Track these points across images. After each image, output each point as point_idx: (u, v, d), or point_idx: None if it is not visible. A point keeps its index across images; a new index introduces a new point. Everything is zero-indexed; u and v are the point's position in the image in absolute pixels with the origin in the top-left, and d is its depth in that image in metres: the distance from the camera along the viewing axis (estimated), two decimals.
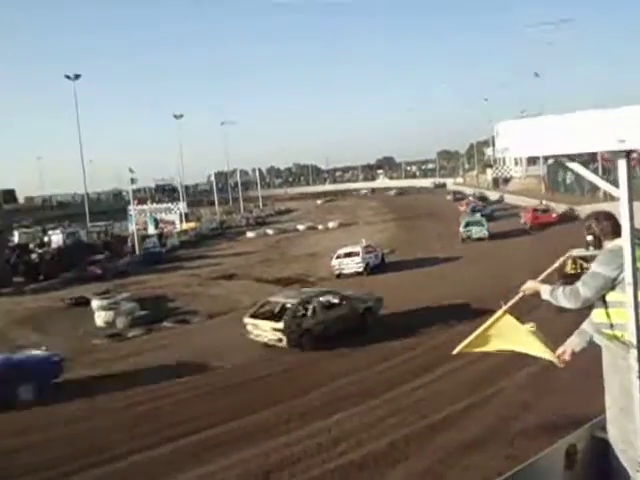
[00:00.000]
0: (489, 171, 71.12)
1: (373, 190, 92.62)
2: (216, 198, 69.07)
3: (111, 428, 10.37)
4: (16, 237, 37.37)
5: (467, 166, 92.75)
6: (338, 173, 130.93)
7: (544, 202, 40.14)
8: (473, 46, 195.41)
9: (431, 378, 11.03)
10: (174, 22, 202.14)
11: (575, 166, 2.66)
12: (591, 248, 3.61)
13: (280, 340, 14.08)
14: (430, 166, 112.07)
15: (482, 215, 36.51)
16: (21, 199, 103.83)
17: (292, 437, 8.98)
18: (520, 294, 3.97)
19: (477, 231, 31.10)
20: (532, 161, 56.42)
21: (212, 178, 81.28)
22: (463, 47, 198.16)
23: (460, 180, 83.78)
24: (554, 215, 34.80)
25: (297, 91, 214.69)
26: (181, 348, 16.16)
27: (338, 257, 25.42)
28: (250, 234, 46.78)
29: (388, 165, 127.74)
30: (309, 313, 14.89)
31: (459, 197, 58.04)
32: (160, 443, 9.47)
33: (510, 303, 3.92)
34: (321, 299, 15.47)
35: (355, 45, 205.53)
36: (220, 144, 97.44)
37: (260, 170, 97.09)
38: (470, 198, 53.15)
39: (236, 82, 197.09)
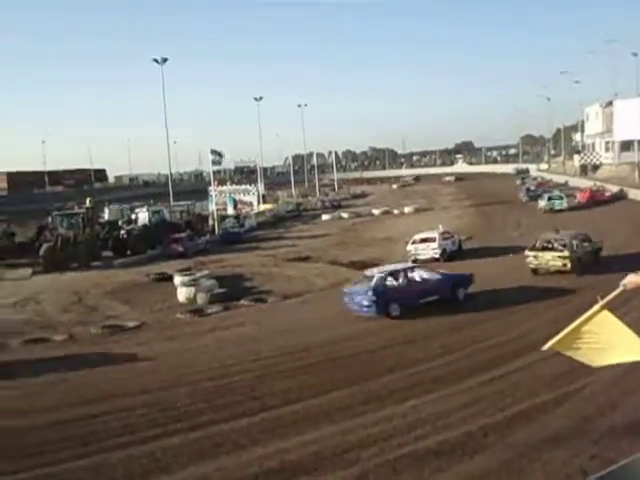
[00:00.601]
0: (577, 157, 67.42)
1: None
2: (292, 180, 69.89)
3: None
4: (106, 214, 39.51)
5: (553, 152, 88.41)
6: (415, 157, 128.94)
7: (597, 183, 46.41)
8: (562, 24, 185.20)
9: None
10: (253, 8, 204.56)
11: None
12: None
13: (565, 265, 19.03)
14: (512, 151, 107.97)
15: (532, 194, 44.56)
16: (111, 178, 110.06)
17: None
18: (620, 288, 3.74)
19: (558, 204, 37.56)
20: (626, 147, 52.98)
21: (289, 161, 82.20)
22: (550, 26, 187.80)
23: (545, 166, 79.99)
24: (607, 194, 41.80)
25: (375, 74, 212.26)
26: (260, 324, 16.73)
27: (414, 242, 25.05)
28: (325, 217, 47.03)
29: (467, 150, 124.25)
30: (574, 247, 19.36)
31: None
32: (237, 416, 9.79)
33: (608, 298, 3.69)
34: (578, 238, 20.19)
35: (432, 28, 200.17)
36: (297, 127, 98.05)
37: (336, 153, 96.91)
38: (533, 181, 56.59)
39: (315, 66, 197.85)
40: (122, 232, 32.89)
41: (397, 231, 34.09)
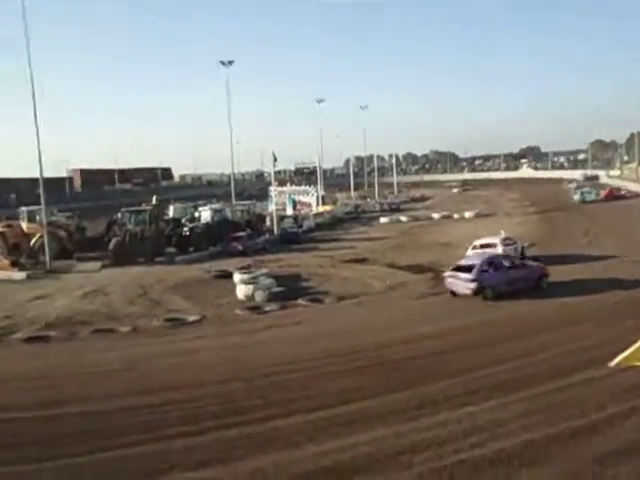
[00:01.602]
0: None
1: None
2: (352, 182, 69.96)
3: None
4: (171, 211, 40.81)
5: (626, 158, 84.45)
6: (478, 161, 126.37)
7: (618, 184, 60.49)
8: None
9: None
10: (315, 11, 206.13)
11: None
12: None
13: None
14: (581, 157, 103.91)
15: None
16: (176, 177, 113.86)
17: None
18: None
19: (588, 196, 50.82)
20: None
21: (351, 162, 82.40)
22: (620, 28, 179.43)
23: (616, 173, 76.53)
24: (622, 192, 53.73)
25: (438, 77, 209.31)
26: (316, 324, 16.90)
27: (474, 248, 24.52)
28: (383, 220, 46.87)
29: (533, 155, 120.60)
30: None
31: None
32: (292, 413, 9.91)
33: None
34: None
35: (497, 31, 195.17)
36: (358, 129, 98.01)
37: (397, 156, 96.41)
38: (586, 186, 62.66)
39: (378, 67, 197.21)
40: (185, 229, 33.88)
41: (457, 236, 33.56)
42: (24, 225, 32.86)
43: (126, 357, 14.08)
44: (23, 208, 34.27)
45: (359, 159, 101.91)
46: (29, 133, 30.23)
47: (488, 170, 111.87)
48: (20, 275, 26.81)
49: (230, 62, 48.63)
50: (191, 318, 18.24)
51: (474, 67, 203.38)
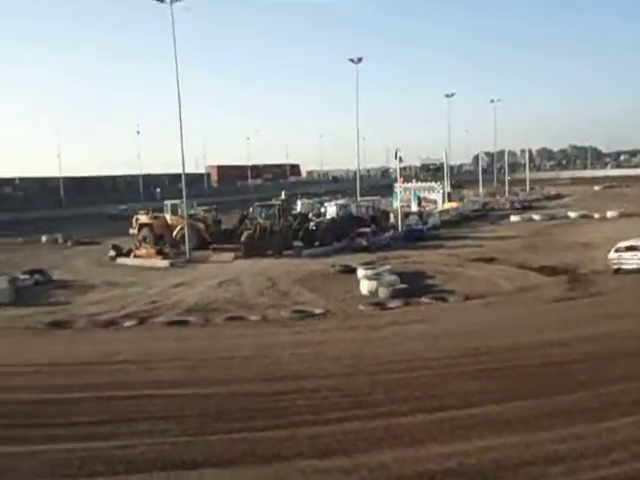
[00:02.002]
0: None
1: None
2: (480, 179, 67.57)
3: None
4: (299, 206, 42.17)
5: None
6: (623, 157, 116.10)
7: None
8: None
9: None
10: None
11: None
12: None
13: None
14: None
15: None
16: (304, 173, 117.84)
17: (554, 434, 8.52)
18: None
19: None
20: None
21: (481, 157, 79.85)
22: None
23: None
24: None
25: (575, 66, 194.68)
26: (440, 323, 16.59)
27: (617, 250, 22.65)
28: (514, 218, 44.82)
29: None
30: None
31: None
32: (415, 411, 9.82)
33: None
34: None
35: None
36: (488, 123, 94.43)
37: (530, 151, 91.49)
38: None
39: (508, 59, 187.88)
40: (312, 224, 34.83)
41: (597, 237, 31.20)
42: (168, 217, 35.86)
43: (256, 345, 14.81)
44: (167, 201, 37.38)
45: (489, 155, 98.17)
46: (174, 134, 33.42)
47: (636, 166, 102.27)
48: (164, 263, 29.29)
49: (359, 59, 49.10)
50: (317, 311, 18.74)
51: (615, 56, 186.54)
